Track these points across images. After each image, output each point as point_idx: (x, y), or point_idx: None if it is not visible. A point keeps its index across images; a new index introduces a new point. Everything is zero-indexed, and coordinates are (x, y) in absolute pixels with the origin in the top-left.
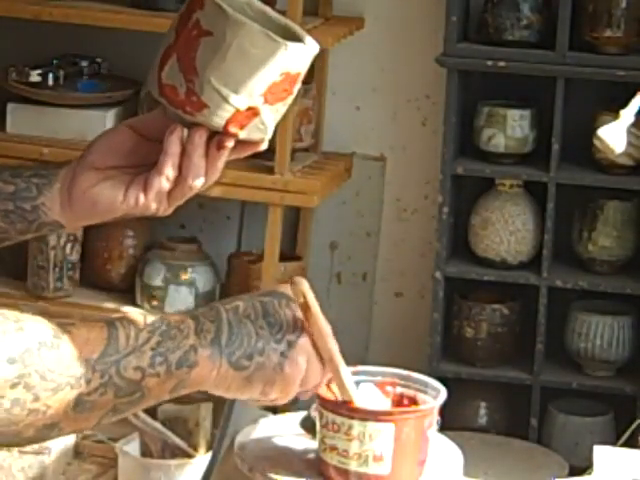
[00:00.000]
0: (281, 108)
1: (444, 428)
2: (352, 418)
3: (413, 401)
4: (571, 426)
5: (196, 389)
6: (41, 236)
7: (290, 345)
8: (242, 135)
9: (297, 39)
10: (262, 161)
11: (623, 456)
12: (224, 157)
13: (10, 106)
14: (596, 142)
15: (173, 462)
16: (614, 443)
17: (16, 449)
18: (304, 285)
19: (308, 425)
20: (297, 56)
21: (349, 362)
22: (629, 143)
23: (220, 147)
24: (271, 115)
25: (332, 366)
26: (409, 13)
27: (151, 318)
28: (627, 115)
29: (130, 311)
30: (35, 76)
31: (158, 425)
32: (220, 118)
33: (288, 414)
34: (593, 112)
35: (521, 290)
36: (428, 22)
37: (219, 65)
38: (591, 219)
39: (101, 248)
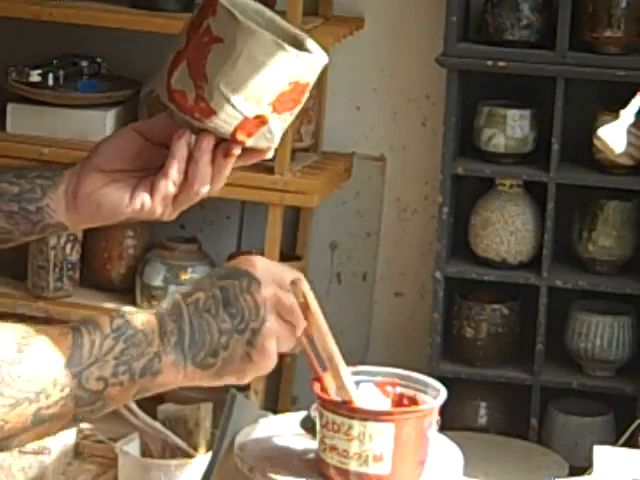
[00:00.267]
0: (288, 118)
1: (444, 428)
2: (352, 418)
3: (413, 401)
4: (571, 426)
5: (163, 390)
6: (42, 237)
7: (255, 333)
8: (249, 143)
9: (306, 49)
10: (262, 161)
11: (623, 456)
12: (230, 165)
13: (10, 106)
14: (596, 142)
15: (173, 462)
16: (614, 443)
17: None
18: (304, 285)
19: (308, 425)
20: (307, 66)
21: (349, 362)
22: (629, 143)
23: (227, 155)
24: (278, 124)
25: (332, 366)
26: (409, 13)
27: (118, 320)
28: (627, 115)
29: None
30: (35, 76)
31: (158, 425)
32: (228, 125)
33: (288, 414)
34: (593, 112)
35: (521, 290)
36: (428, 22)
37: (229, 72)
38: (591, 219)
39: (101, 248)
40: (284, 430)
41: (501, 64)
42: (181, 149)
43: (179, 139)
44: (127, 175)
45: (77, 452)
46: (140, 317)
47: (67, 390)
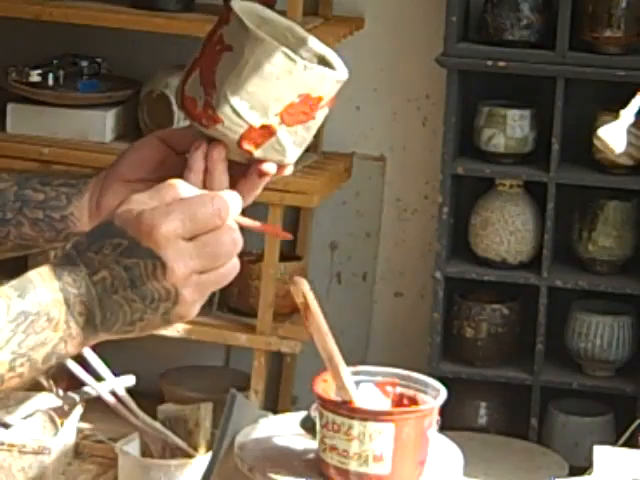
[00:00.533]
0: (301, 131)
1: (444, 428)
2: (352, 418)
3: (413, 401)
4: (571, 426)
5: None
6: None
7: (169, 310)
8: (257, 154)
9: (331, 67)
10: None
11: (623, 456)
12: (263, 183)
13: (10, 106)
14: (596, 142)
15: (173, 462)
16: (614, 443)
17: (16, 449)
18: (304, 285)
19: (308, 425)
20: (318, 79)
21: (349, 362)
22: (629, 143)
23: (262, 174)
24: (289, 137)
25: (332, 366)
26: (409, 13)
27: (18, 305)
28: (627, 115)
29: None
30: (35, 76)
31: (158, 425)
32: (234, 133)
33: (288, 414)
34: (593, 112)
35: (521, 290)
36: (428, 22)
37: (235, 80)
38: (591, 219)
39: None
40: (284, 430)
41: (501, 64)
42: (198, 161)
43: (195, 150)
44: (149, 185)
45: (77, 452)
46: (45, 297)
47: None
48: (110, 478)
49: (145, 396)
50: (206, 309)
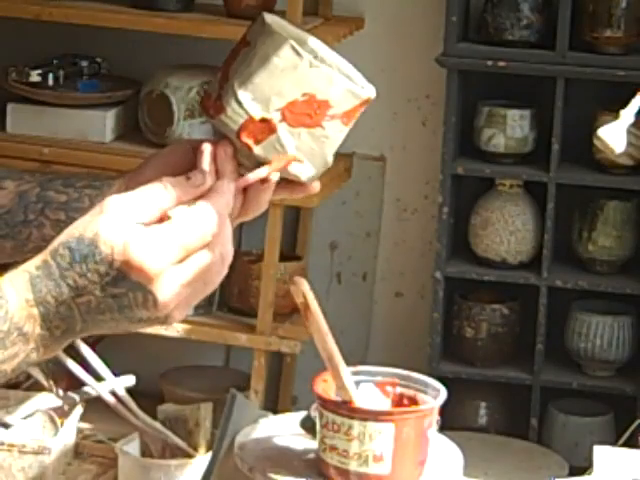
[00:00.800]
0: (306, 138)
1: (444, 428)
2: (352, 418)
3: (413, 401)
4: (571, 426)
5: None
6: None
7: (153, 325)
8: (257, 151)
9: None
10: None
11: (623, 456)
12: (268, 192)
13: (10, 106)
14: (596, 142)
15: (173, 462)
16: (614, 443)
17: (16, 449)
18: (304, 285)
19: (308, 425)
20: (324, 79)
21: (349, 362)
22: (629, 143)
23: (264, 181)
24: (291, 139)
25: (332, 366)
26: (409, 13)
27: None
28: (627, 115)
29: None
30: (35, 76)
31: (158, 425)
32: (234, 123)
33: (288, 414)
34: (593, 112)
35: (521, 290)
36: (428, 22)
37: (244, 70)
38: (591, 219)
39: None
40: (284, 430)
41: (501, 64)
42: (206, 161)
43: (203, 151)
44: None
45: (77, 452)
46: (17, 313)
47: None
48: (110, 478)
49: (145, 396)
50: (206, 309)
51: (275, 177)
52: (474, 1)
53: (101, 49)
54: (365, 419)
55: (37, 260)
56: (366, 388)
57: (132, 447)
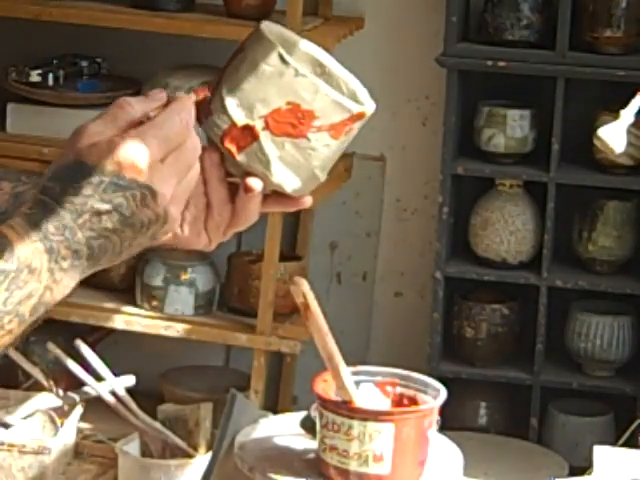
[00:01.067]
0: (290, 148)
1: (444, 428)
2: (352, 418)
3: (413, 401)
4: (571, 426)
5: None
6: None
7: (158, 230)
8: (240, 158)
9: (360, 102)
10: None
11: (623, 456)
12: (255, 202)
13: (10, 106)
14: (596, 142)
15: (173, 462)
16: (614, 443)
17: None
18: (304, 285)
19: (308, 425)
20: (310, 89)
21: (349, 362)
22: (629, 143)
23: (247, 190)
24: (274, 149)
25: (332, 366)
26: (409, 13)
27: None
28: (627, 115)
29: (129, 310)
30: (35, 76)
31: (158, 425)
32: (218, 128)
33: (288, 414)
34: (593, 112)
35: (521, 290)
36: (428, 22)
37: (233, 75)
38: (591, 219)
39: None
40: (284, 430)
41: (501, 64)
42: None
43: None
44: None
45: (77, 452)
46: (22, 250)
47: None
48: (110, 478)
49: (145, 396)
50: (206, 309)
51: (257, 186)
52: (474, 1)
53: (101, 49)
54: (365, 419)
55: (28, 204)
56: (366, 388)
57: (132, 447)
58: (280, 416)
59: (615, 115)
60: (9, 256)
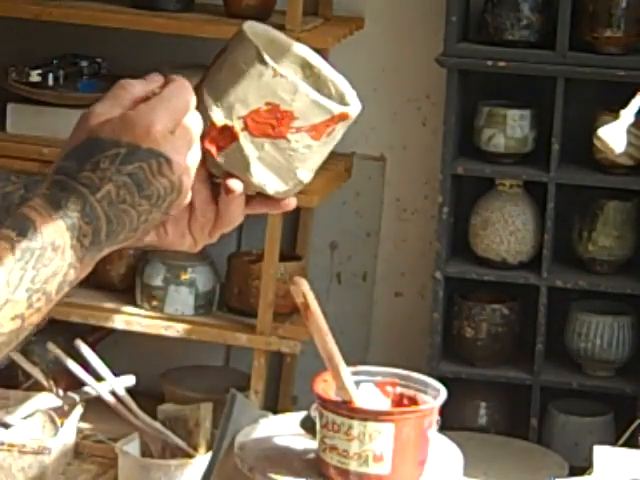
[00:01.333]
0: (270, 149)
1: (444, 428)
2: (352, 418)
3: (413, 401)
4: (571, 426)
5: None
6: None
7: (170, 204)
8: (220, 159)
9: (345, 103)
10: None
11: (623, 456)
12: (237, 203)
13: (10, 106)
14: (596, 142)
15: (173, 462)
16: (614, 443)
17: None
18: (304, 285)
19: (308, 425)
20: (288, 90)
21: (349, 362)
22: (629, 143)
23: (227, 191)
24: (253, 150)
25: (332, 366)
26: (409, 13)
27: (22, 243)
28: (627, 115)
29: (129, 310)
30: (35, 76)
31: (158, 425)
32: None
33: (288, 414)
34: (593, 112)
35: (521, 290)
36: (428, 22)
37: (214, 76)
38: (591, 219)
39: None
40: (284, 430)
41: (501, 64)
42: None
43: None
44: None
45: (77, 452)
46: (45, 229)
47: None
48: (110, 478)
49: (145, 396)
50: (206, 309)
51: (237, 187)
52: (474, 1)
53: (101, 49)
54: (365, 419)
55: (45, 185)
56: (366, 388)
57: (132, 447)
58: (280, 416)
59: (615, 115)
60: (33, 234)
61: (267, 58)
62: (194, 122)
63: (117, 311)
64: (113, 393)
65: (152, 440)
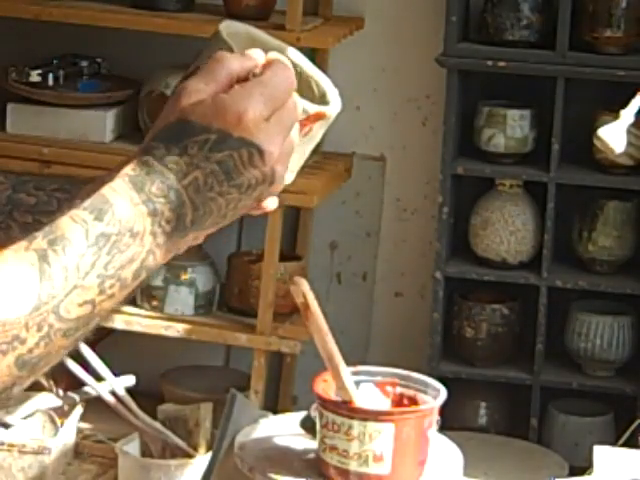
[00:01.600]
0: None
1: (444, 428)
2: (352, 418)
3: (413, 401)
4: (571, 426)
5: None
6: None
7: (264, 190)
8: None
9: (326, 101)
10: None
11: (623, 456)
12: None
13: (10, 106)
14: (596, 142)
15: (173, 462)
16: (614, 443)
17: (16, 449)
18: (304, 285)
19: (308, 425)
20: None
21: (349, 362)
22: (629, 143)
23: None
24: None
25: (332, 366)
26: (409, 13)
27: (96, 227)
28: (627, 115)
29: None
30: (35, 76)
31: (158, 425)
32: None
33: (288, 414)
34: (593, 112)
35: (521, 290)
36: (428, 22)
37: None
38: (591, 219)
39: None
40: (284, 430)
41: (501, 64)
42: None
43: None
44: None
45: (77, 452)
46: (124, 213)
47: (46, 328)
48: (110, 478)
49: (145, 396)
50: (206, 309)
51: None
52: (474, 1)
53: (101, 49)
54: (365, 419)
55: (131, 165)
56: (366, 388)
57: (132, 447)
58: (280, 416)
59: (615, 115)
60: (110, 219)
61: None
62: (292, 109)
63: (117, 311)
64: (113, 393)
65: (152, 440)
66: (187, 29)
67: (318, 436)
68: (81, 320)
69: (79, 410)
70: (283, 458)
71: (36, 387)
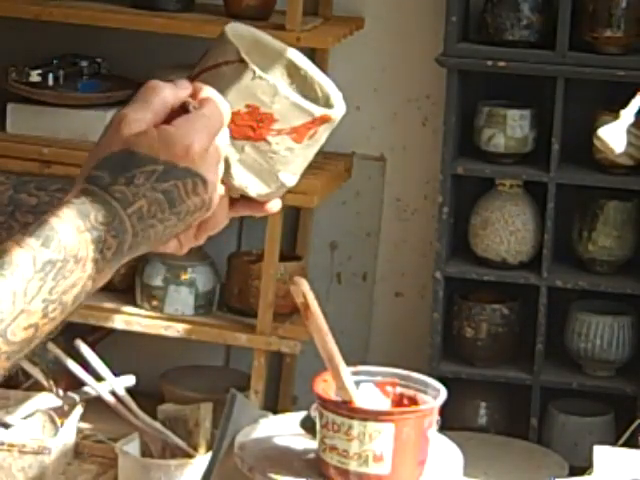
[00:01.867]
0: (250, 151)
1: (444, 428)
2: (352, 418)
3: (413, 401)
4: (571, 426)
5: None
6: None
7: (196, 218)
8: None
9: (330, 105)
10: None
11: (623, 456)
12: (221, 205)
13: (10, 106)
14: (596, 142)
15: (173, 462)
16: (614, 443)
17: (16, 449)
18: (304, 285)
19: (308, 425)
20: (268, 92)
21: (349, 362)
22: (629, 143)
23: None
24: (234, 152)
25: (332, 366)
26: (409, 13)
27: (44, 254)
28: (627, 115)
29: (129, 310)
30: (35, 76)
31: (158, 425)
32: None
33: (288, 414)
34: (593, 112)
35: (521, 290)
36: (428, 22)
37: (196, 78)
38: (591, 219)
39: None
40: (284, 430)
41: (501, 64)
42: None
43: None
44: None
45: (77, 452)
46: (69, 240)
47: None
48: (110, 478)
49: (145, 396)
50: (206, 309)
51: (219, 190)
52: (474, 1)
53: (101, 49)
54: (365, 419)
55: (74, 192)
56: (366, 388)
57: (132, 447)
58: (280, 416)
59: (615, 115)
60: (56, 246)
61: (247, 60)
62: (223, 139)
63: (117, 311)
64: (113, 393)
65: (152, 440)
66: (187, 29)
67: (318, 436)
68: (24, 343)
69: (79, 410)
70: (283, 458)
71: (36, 387)
